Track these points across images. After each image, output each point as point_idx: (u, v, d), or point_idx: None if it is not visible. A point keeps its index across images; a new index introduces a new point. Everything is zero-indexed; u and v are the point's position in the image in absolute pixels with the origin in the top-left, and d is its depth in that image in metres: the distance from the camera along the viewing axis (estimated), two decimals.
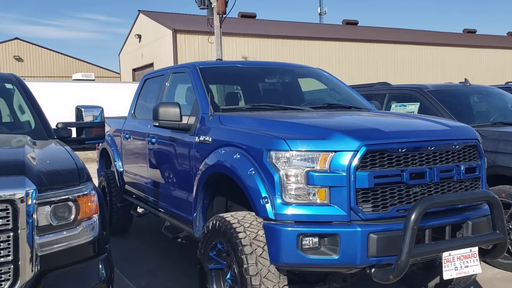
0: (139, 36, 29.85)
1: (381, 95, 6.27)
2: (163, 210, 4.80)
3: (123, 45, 33.53)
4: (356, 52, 29.99)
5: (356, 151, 2.85)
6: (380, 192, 2.91)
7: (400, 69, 30.99)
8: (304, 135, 3.02)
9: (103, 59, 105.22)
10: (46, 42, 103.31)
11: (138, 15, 30.41)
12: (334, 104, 4.40)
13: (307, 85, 5.20)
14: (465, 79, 6.39)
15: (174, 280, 4.60)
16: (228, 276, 3.26)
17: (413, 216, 2.71)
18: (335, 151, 2.87)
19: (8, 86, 3.79)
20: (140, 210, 5.94)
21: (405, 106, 5.95)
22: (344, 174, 2.83)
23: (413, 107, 5.82)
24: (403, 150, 2.97)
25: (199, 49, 25.32)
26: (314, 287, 3.36)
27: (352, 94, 4.79)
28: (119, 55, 34.48)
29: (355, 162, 2.83)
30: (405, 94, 6.04)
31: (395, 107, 6.05)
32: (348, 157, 2.85)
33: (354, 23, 36.46)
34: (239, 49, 26.75)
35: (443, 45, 33.08)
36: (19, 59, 36.50)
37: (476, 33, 39.66)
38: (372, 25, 39.57)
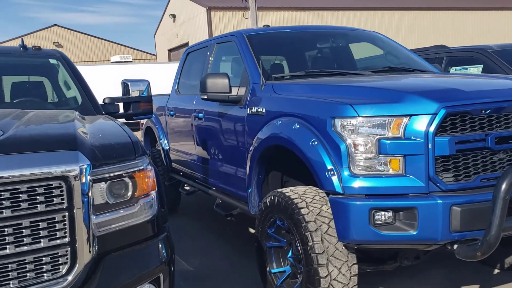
0: (174, 16, 29.71)
1: (438, 58, 5.81)
2: (213, 187, 4.63)
3: (158, 26, 33.53)
4: (412, 21, 28.53)
5: (435, 114, 2.54)
6: (462, 159, 2.60)
7: (462, 38, 28.89)
8: (373, 100, 2.72)
9: (140, 41, 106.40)
10: (84, 28, 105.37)
11: None
12: (396, 68, 4.05)
13: (359, 51, 4.82)
14: None
15: (227, 258, 4.45)
16: (290, 254, 3.05)
17: (504, 185, 2.39)
18: (410, 115, 2.57)
19: (53, 61, 3.66)
20: (187, 188, 5.82)
21: (466, 69, 5.48)
22: (421, 140, 2.54)
23: (476, 70, 5.35)
24: (487, 112, 2.63)
25: (234, 26, 24.94)
26: (384, 265, 3.11)
27: (412, 56, 4.40)
28: (154, 36, 34.54)
29: (434, 126, 2.53)
30: (465, 56, 5.56)
31: (454, 71, 5.60)
32: (425, 121, 2.55)
33: None
34: (275, 24, 26.09)
35: None
36: (58, 45, 37.22)
37: None
38: None
